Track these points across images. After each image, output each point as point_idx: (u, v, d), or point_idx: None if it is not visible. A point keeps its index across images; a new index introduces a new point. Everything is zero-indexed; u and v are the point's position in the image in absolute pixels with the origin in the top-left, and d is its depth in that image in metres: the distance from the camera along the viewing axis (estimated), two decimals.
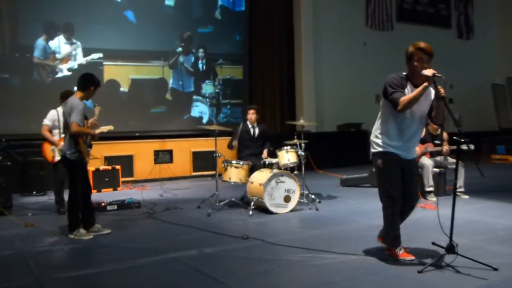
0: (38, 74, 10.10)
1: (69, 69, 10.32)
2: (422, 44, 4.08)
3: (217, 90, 12.34)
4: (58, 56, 10.25)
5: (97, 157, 9.27)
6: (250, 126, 7.84)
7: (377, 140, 4.30)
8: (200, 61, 12.03)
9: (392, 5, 15.54)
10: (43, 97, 9.19)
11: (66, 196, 7.01)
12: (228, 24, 12.47)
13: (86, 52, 10.51)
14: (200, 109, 12.09)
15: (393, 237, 4.31)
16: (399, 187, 4.23)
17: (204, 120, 12.05)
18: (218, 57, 12.30)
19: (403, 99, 3.99)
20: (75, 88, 5.81)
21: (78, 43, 10.45)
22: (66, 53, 10.34)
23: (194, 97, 11.97)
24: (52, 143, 6.96)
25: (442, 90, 3.98)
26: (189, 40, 11.83)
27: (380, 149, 4.25)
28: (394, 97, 4.03)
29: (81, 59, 10.43)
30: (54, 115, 7.04)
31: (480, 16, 17.96)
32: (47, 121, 7.03)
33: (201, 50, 12.00)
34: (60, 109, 7.05)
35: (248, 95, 12.82)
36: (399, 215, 4.31)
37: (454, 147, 4.36)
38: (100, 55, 10.61)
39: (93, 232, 5.56)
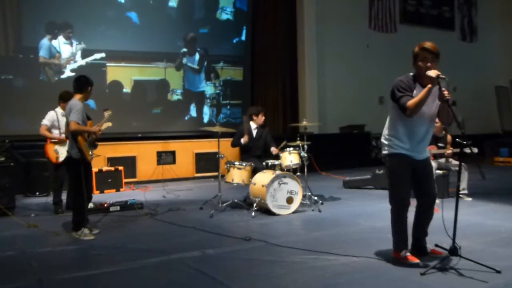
0: (44, 74, 10.15)
1: (72, 70, 10.35)
2: (426, 44, 4.07)
3: (218, 91, 12.38)
4: (63, 56, 10.31)
5: (99, 154, 9.19)
6: (254, 127, 7.82)
7: (387, 142, 4.28)
8: (201, 62, 12.06)
9: (395, 7, 15.54)
10: (46, 98, 9.19)
11: (63, 197, 7.08)
12: (230, 25, 12.50)
13: (89, 53, 10.55)
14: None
15: (399, 240, 4.30)
16: (409, 191, 4.23)
17: (205, 121, 12.08)
18: (219, 58, 12.34)
19: (410, 103, 3.98)
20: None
21: (82, 43, 10.48)
22: (70, 53, 10.38)
23: (195, 97, 12.00)
24: (53, 141, 7.01)
25: (446, 92, 3.96)
26: (193, 41, 11.86)
27: (391, 151, 4.23)
28: (402, 102, 4.03)
29: (81, 60, 10.45)
30: (53, 116, 7.13)
31: (484, 19, 17.94)
32: (45, 121, 7.12)
33: (202, 51, 12.03)
34: (58, 110, 7.13)
35: (250, 97, 12.85)
36: (407, 219, 4.29)
37: (458, 149, 4.33)
38: (103, 55, 10.64)
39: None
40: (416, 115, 4.02)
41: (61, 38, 10.31)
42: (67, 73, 10.32)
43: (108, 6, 10.88)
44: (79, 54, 10.47)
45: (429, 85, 3.96)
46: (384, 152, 4.32)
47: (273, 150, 7.65)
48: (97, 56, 10.59)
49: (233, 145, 7.86)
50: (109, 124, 6.20)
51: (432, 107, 4.14)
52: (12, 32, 9.97)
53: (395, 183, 4.26)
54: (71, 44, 10.38)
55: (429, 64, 4.02)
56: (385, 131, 4.33)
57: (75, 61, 10.41)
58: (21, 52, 10.03)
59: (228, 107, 12.55)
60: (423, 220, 4.38)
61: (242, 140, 7.59)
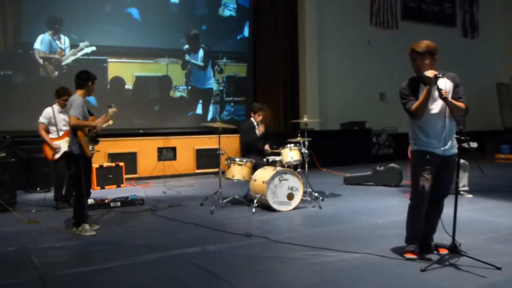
0: (44, 69, 10.14)
1: (67, 65, 10.33)
2: (415, 45, 4.14)
3: (221, 88, 12.35)
4: (64, 52, 10.30)
5: (99, 150, 9.18)
6: (255, 124, 7.83)
7: (411, 140, 4.34)
8: (206, 58, 12.04)
9: (397, 4, 15.50)
10: (46, 94, 9.19)
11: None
12: (232, 21, 12.48)
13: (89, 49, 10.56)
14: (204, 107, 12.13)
15: (410, 235, 4.35)
16: (429, 188, 4.22)
17: (208, 118, 12.07)
18: (222, 54, 12.32)
19: (413, 108, 4.09)
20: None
21: (86, 41, 10.47)
22: (73, 51, 10.37)
23: (201, 94, 12.00)
24: (47, 144, 7.02)
25: (443, 91, 3.99)
26: (196, 38, 11.84)
27: (415, 147, 4.28)
28: (406, 108, 4.17)
29: (71, 57, 10.41)
30: (49, 113, 7.12)
31: (485, 15, 17.90)
32: (42, 119, 7.10)
33: (205, 48, 12.01)
34: (55, 107, 7.12)
35: (252, 93, 12.83)
36: (423, 216, 4.28)
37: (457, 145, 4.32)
38: (93, 48, 10.59)
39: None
40: (422, 116, 4.09)
41: (64, 34, 10.30)
42: (65, 68, 10.30)
43: (108, 2, 10.87)
44: (81, 51, 10.48)
45: (427, 87, 4.02)
46: (411, 148, 4.37)
47: (267, 147, 7.79)
48: (88, 50, 10.55)
49: (245, 144, 7.83)
50: (110, 122, 6.19)
51: (439, 102, 4.12)
52: (11, 27, 9.95)
53: (416, 180, 4.28)
54: (60, 39, 10.34)
55: (418, 62, 4.11)
56: (409, 129, 4.39)
57: (67, 57, 10.37)
58: (21, 48, 10.02)
59: (232, 104, 12.53)
60: (429, 215, 4.37)
61: (258, 131, 7.67)
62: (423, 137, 4.20)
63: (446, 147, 4.19)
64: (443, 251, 4.31)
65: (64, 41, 10.38)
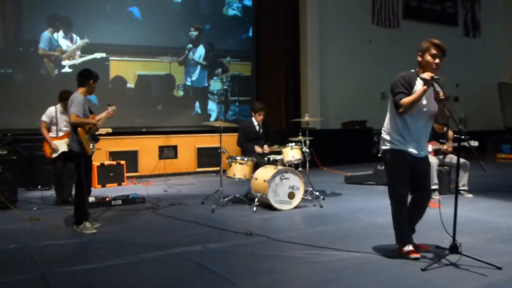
0: (44, 67, 10.13)
1: (70, 66, 10.32)
2: (437, 40, 4.12)
3: (225, 87, 12.32)
4: (63, 50, 10.29)
5: (99, 148, 9.18)
6: (256, 123, 7.83)
7: (386, 137, 4.29)
8: (207, 57, 12.02)
9: (398, 3, 15.50)
10: (47, 92, 9.21)
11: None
12: (235, 20, 12.47)
13: (91, 47, 10.54)
14: (208, 106, 12.09)
15: (401, 235, 4.34)
16: (408, 186, 4.23)
17: (212, 118, 12.03)
18: (226, 53, 12.30)
19: (404, 101, 4.06)
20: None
21: (86, 38, 10.47)
22: (71, 48, 10.37)
23: (202, 93, 11.98)
24: (47, 142, 7.08)
25: (441, 93, 3.99)
26: (199, 31, 11.83)
27: (390, 146, 4.24)
28: (397, 98, 4.11)
29: (78, 58, 10.41)
30: (52, 112, 7.20)
31: (487, 15, 17.89)
32: (44, 118, 7.20)
33: (207, 45, 11.99)
34: (59, 107, 7.17)
35: (255, 92, 12.81)
36: (407, 214, 4.31)
37: (456, 144, 4.33)
38: (103, 54, 10.62)
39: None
40: (409, 112, 4.09)
41: (62, 32, 10.30)
42: (67, 68, 10.30)
43: (109, 0, 10.85)
44: (81, 49, 10.47)
45: (425, 87, 4.03)
46: (384, 147, 4.32)
47: (257, 148, 7.64)
48: (97, 55, 10.56)
49: (240, 145, 7.83)
50: (109, 130, 6.20)
51: (431, 104, 4.16)
52: (12, 25, 9.95)
53: (394, 179, 4.28)
54: (72, 38, 10.37)
55: (437, 60, 4.09)
56: (385, 126, 4.35)
57: (74, 58, 10.38)
58: (22, 45, 10.01)
59: (237, 103, 12.49)
60: (413, 216, 4.40)
61: (257, 150, 7.58)
62: (403, 135, 4.17)
63: (420, 147, 4.22)
64: (426, 248, 4.37)
65: (76, 41, 10.39)
